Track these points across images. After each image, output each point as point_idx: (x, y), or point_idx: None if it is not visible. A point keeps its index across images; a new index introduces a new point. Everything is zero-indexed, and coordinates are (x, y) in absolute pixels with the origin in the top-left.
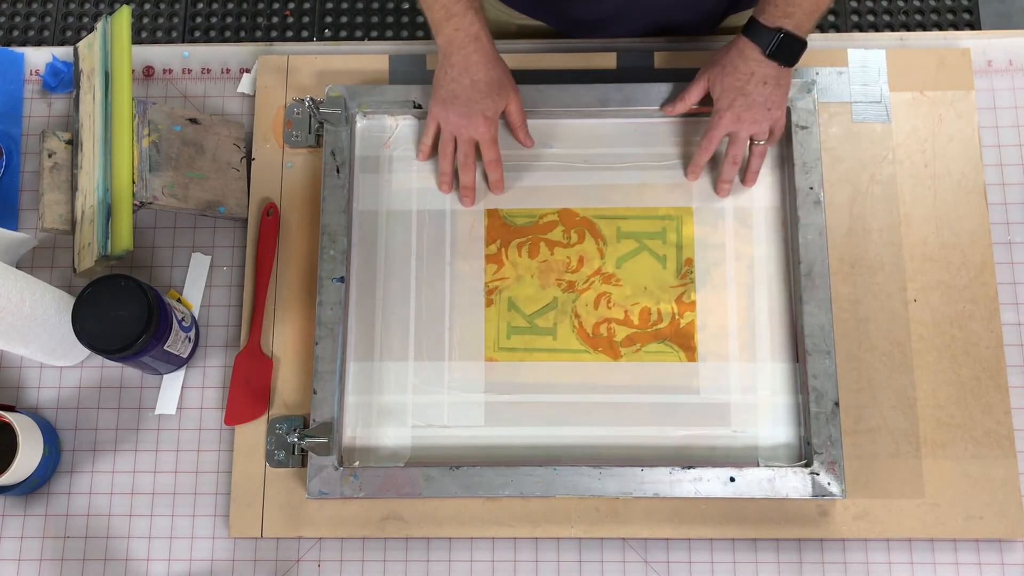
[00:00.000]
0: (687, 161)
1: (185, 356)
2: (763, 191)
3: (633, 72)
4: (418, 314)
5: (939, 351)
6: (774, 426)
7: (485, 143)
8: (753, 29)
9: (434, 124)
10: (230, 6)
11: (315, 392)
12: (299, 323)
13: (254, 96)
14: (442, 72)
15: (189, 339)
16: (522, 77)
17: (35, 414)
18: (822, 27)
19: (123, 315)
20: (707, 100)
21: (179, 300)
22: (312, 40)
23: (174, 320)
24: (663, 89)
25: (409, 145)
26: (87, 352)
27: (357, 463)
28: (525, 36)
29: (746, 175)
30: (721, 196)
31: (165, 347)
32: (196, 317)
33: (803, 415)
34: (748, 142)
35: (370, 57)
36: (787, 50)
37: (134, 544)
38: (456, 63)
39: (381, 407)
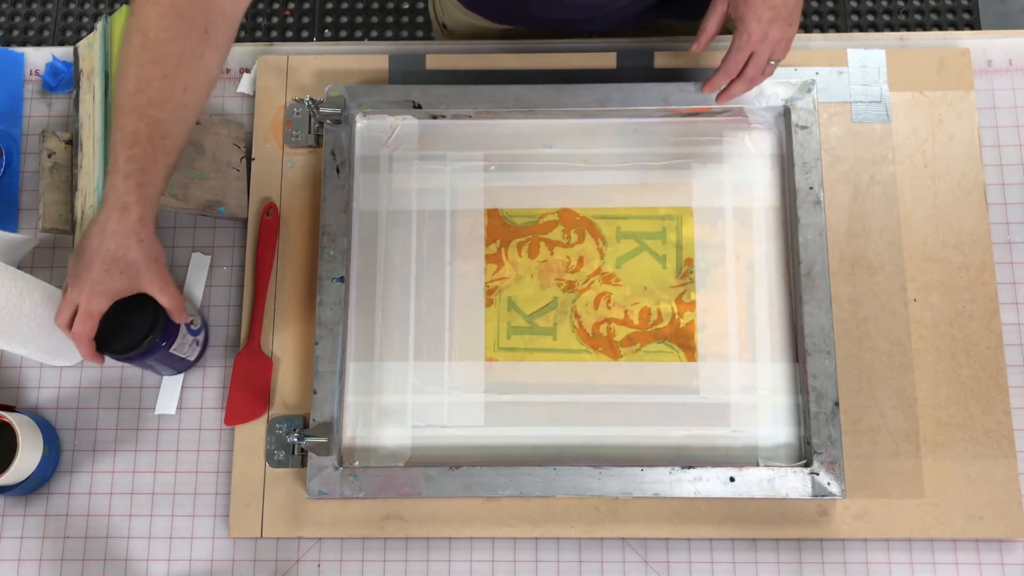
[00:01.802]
0: (687, 161)
1: (192, 360)
2: (763, 191)
3: (633, 72)
4: (418, 314)
5: (939, 351)
6: (774, 426)
7: (81, 314)
8: None
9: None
10: None
11: (315, 392)
12: (299, 323)
13: (254, 96)
14: (93, 221)
15: (197, 343)
16: (522, 77)
17: (35, 414)
18: (822, 27)
19: (130, 316)
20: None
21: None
22: (312, 40)
23: (182, 324)
24: (663, 89)
25: (409, 145)
26: None
27: (357, 463)
28: (510, 37)
29: (747, 85)
30: (719, 102)
31: (171, 350)
32: (207, 320)
33: (803, 415)
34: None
35: (370, 57)
36: None
37: (134, 544)
38: (99, 219)
39: (381, 407)
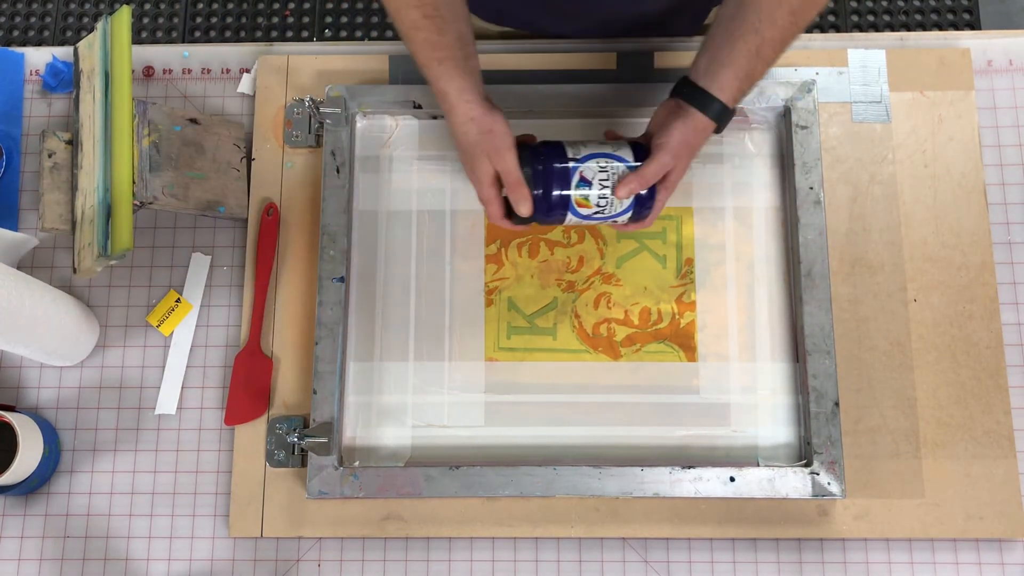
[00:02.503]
0: None
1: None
2: (763, 191)
3: (633, 72)
4: (418, 314)
5: (939, 351)
6: (774, 426)
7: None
8: (718, 112)
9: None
10: (230, 6)
11: (315, 392)
12: (299, 323)
13: (254, 96)
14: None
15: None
16: (523, 77)
17: (35, 414)
18: (822, 27)
19: None
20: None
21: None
22: (312, 40)
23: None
24: (663, 89)
25: (409, 145)
26: (87, 352)
27: (357, 463)
28: (508, 39)
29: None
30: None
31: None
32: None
33: (803, 415)
34: None
35: (370, 57)
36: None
37: (134, 544)
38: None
39: (381, 407)
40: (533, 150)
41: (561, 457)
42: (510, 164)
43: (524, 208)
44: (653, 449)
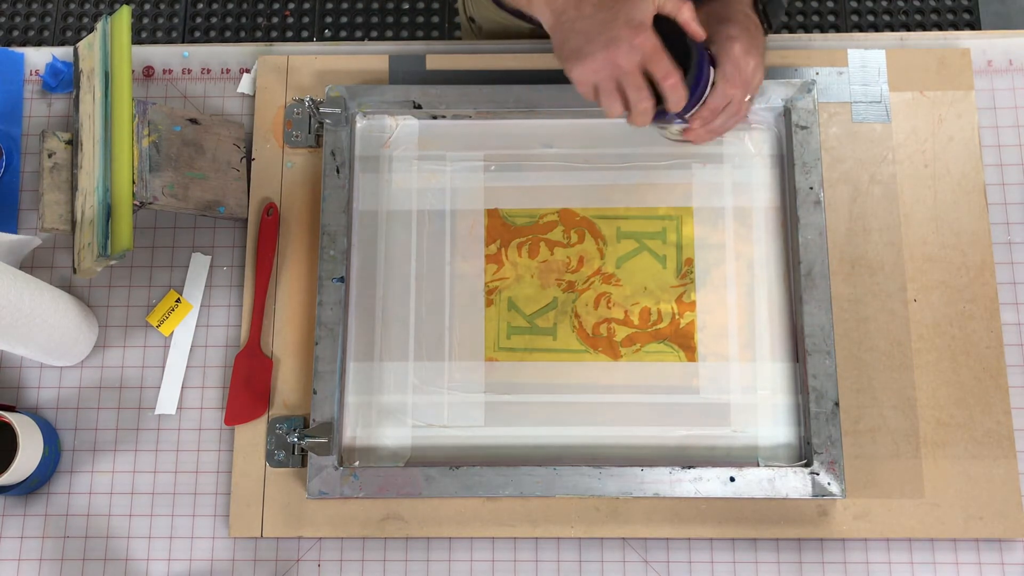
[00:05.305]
0: (687, 161)
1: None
2: (763, 191)
3: None
4: (418, 314)
5: (939, 351)
6: (774, 426)
7: (650, 59)
8: None
9: (589, 86)
10: (230, 6)
11: (315, 392)
12: (299, 323)
13: (254, 96)
14: (558, 27)
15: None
16: (523, 77)
17: (35, 414)
18: (822, 27)
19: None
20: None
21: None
22: (312, 40)
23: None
24: None
25: (409, 145)
26: (87, 352)
27: (357, 463)
28: (538, 37)
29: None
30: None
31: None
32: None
33: (803, 415)
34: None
35: (370, 57)
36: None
37: (134, 544)
38: (564, 5)
39: (381, 407)
40: (666, 35)
41: (561, 457)
42: (658, 44)
43: (679, 99)
44: (653, 449)
